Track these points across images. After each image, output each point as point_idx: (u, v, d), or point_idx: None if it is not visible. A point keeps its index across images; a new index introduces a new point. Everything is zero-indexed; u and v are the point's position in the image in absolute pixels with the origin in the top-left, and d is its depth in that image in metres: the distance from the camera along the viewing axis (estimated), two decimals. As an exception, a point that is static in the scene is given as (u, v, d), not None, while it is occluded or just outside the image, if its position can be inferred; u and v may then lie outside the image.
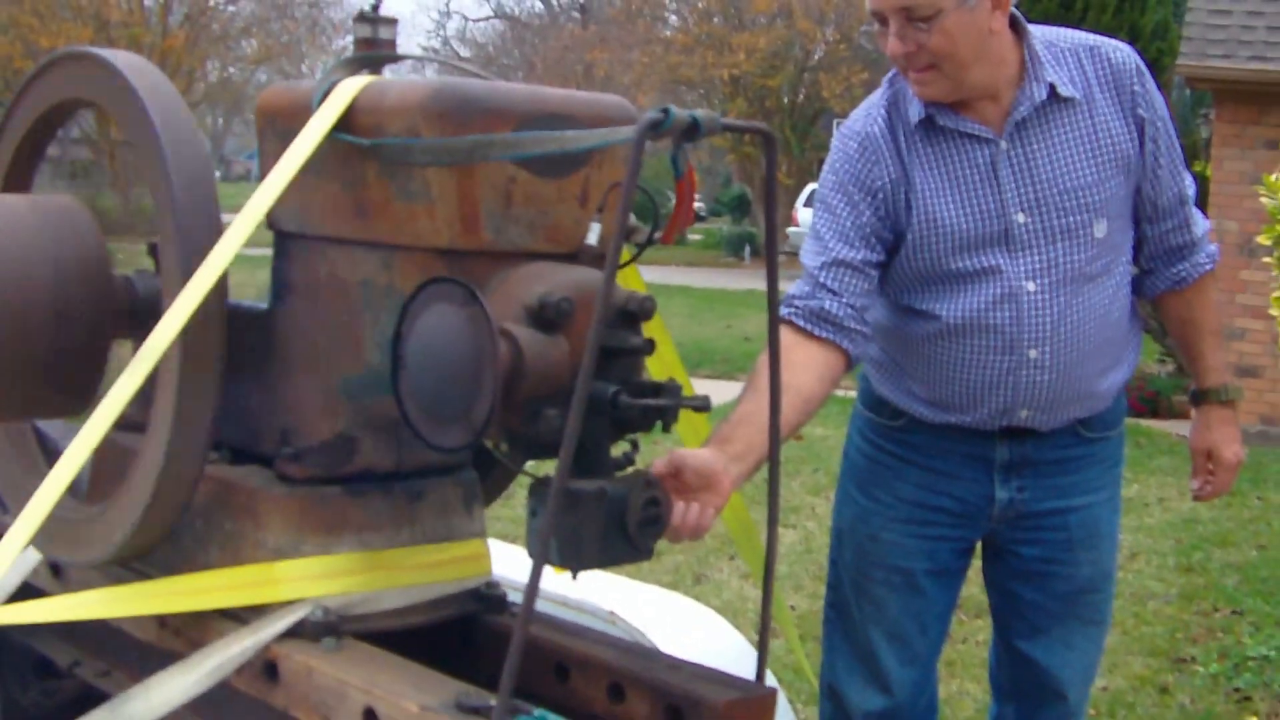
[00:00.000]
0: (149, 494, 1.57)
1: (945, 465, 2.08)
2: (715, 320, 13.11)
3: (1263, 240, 3.66)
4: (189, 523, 1.65)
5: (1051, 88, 1.93)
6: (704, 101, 22.02)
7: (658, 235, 1.54)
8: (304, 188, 1.57)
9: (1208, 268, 2.11)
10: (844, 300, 1.93)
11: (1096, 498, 2.12)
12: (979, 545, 2.17)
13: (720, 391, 4.04)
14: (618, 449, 1.47)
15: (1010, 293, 1.95)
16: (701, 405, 1.48)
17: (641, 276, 1.81)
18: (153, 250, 1.68)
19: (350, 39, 18.62)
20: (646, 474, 1.48)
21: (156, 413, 1.56)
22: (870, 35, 1.96)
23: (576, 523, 1.39)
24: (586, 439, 1.37)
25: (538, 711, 1.36)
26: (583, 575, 1.44)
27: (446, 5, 60.93)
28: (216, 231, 1.52)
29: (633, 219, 1.61)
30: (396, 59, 2.16)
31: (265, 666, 1.54)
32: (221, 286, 1.52)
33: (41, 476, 1.50)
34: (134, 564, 1.70)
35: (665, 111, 1.31)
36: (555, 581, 1.53)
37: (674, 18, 24.90)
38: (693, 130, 1.33)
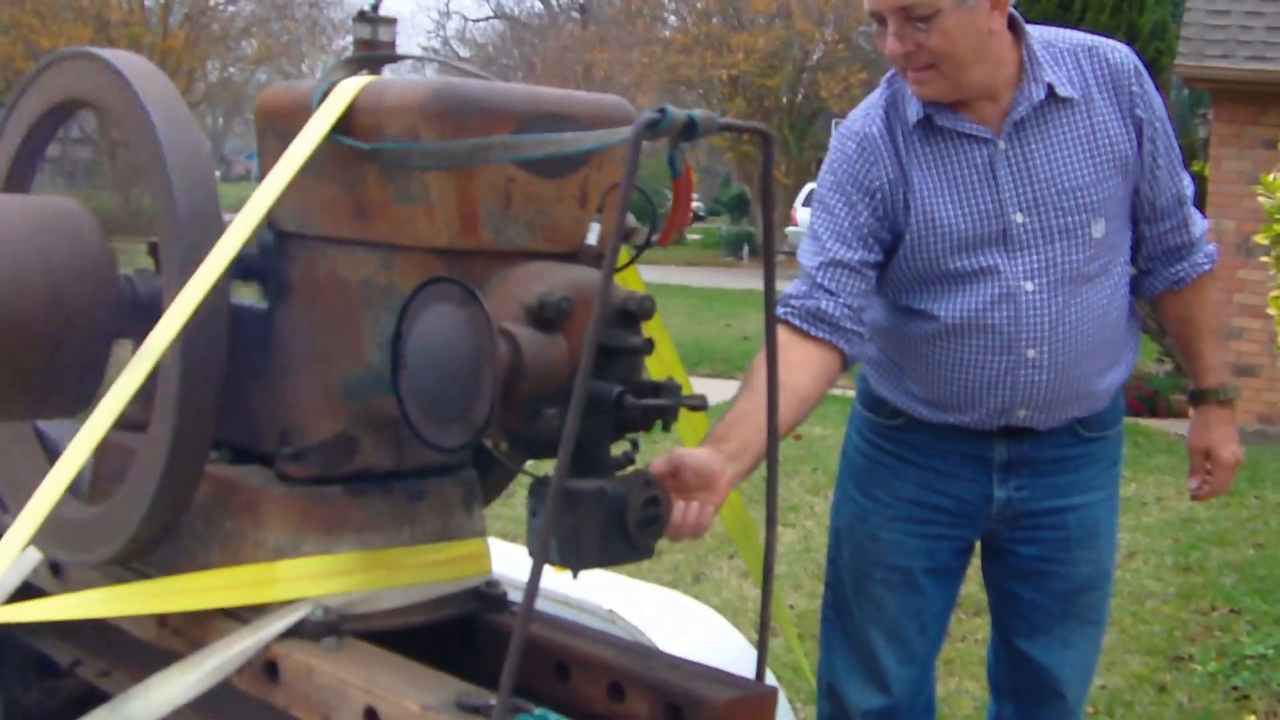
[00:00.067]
0: (149, 494, 1.57)
1: (944, 465, 2.08)
2: (714, 319, 13.11)
3: (1260, 239, 3.67)
4: (189, 522, 1.66)
5: (1050, 88, 1.94)
6: (703, 101, 22.03)
7: (655, 237, 1.55)
8: (304, 188, 1.57)
9: (1206, 268, 2.11)
10: (841, 300, 1.93)
11: (1095, 497, 2.12)
12: (978, 544, 2.17)
13: (719, 390, 4.05)
14: (617, 448, 1.47)
15: (1008, 292, 1.96)
16: (698, 404, 1.48)
17: (640, 276, 1.81)
18: (153, 250, 1.68)
19: (350, 39, 18.61)
20: (646, 473, 1.48)
21: (157, 412, 1.57)
22: (869, 35, 1.96)
23: (576, 522, 1.39)
24: (586, 438, 1.37)
25: (538, 710, 1.37)
26: (582, 574, 1.45)
27: (446, 5, 60.98)
28: (217, 231, 1.53)
29: (632, 219, 1.62)
30: (396, 59, 2.16)
31: (266, 666, 1.54)
32: (222, 286, 1.52)
33: (42, 476, 1.50)
34: (134, 563, 1.70)
35: (662, 111, 1.31)
36: (555, 580, 1.53)
37: (673, 18, 24.92)
38: (690, 130, 1.33)
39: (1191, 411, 2.21)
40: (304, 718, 1.50)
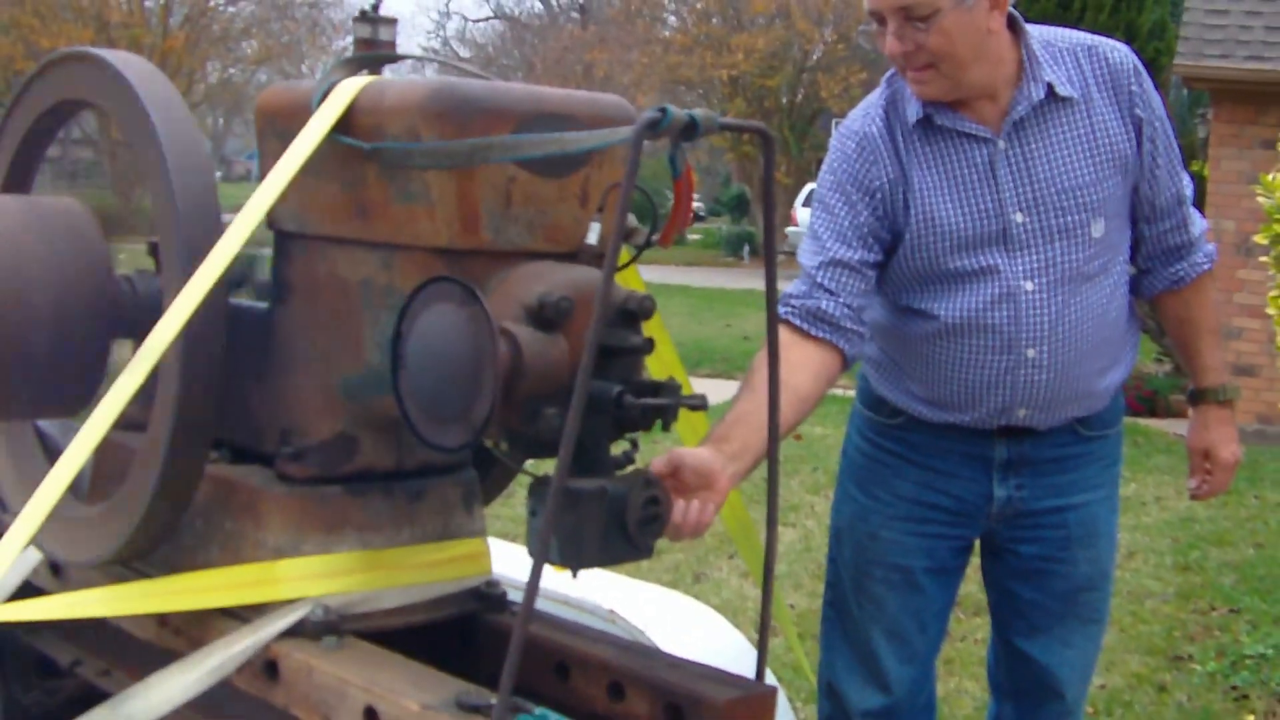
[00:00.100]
0: (149, 493, 1.57)
1: (944, 464, 2.08)
2: (714, 319, 13.11)
3: (1260, 239, 3.67)
4: (189, 522, 1.66)
5: (1049, 87, 1.94)
6: (703, 102, 22.03)
7: (655, 236, 1.55)
8: (304, 188, 1.57)
9: (1205, 267, 2.11)
10: (841, 300, 1.93)
11: (1094, 496, 2.12)
12: (978, 543, 2.18)
13: (719, 390, 4.05)
14: (617, 448, 1.47)
15: (1008, 292, 1.96)
16: (698, 404, 1.48)
17: (641, 276, 1.81)
18: (153, 250, 1.68)
19: (350, 39, 18.61)
20: (646, 473, 1.48)
21: (157, 412, 1.57)
22: (869, 35, 1.96)
23: (576, 522, 1.39)
24: (586, 438, 1.37)
25: (538, 710, 1.37)
26: (583, 574, 1.45)
27: (446, 6, 60.97)
28: (217, 231, 1.53)
29: (633, 219, 1.62)
30: (396, 59, 2.16)
31: (266, 665, 1.54)
32: (222, 285, 1.52)
33: (42, 476, 1.50)
34: (134, 563, 1.70)
35: (663, 111, 1.32)
36: (555, 580, 1.53)
37: (673, 18, 24.92)
38: (690, 130, 1.33)
39: (1191, 411, 2.21)
40: (304, 717, 1.50)
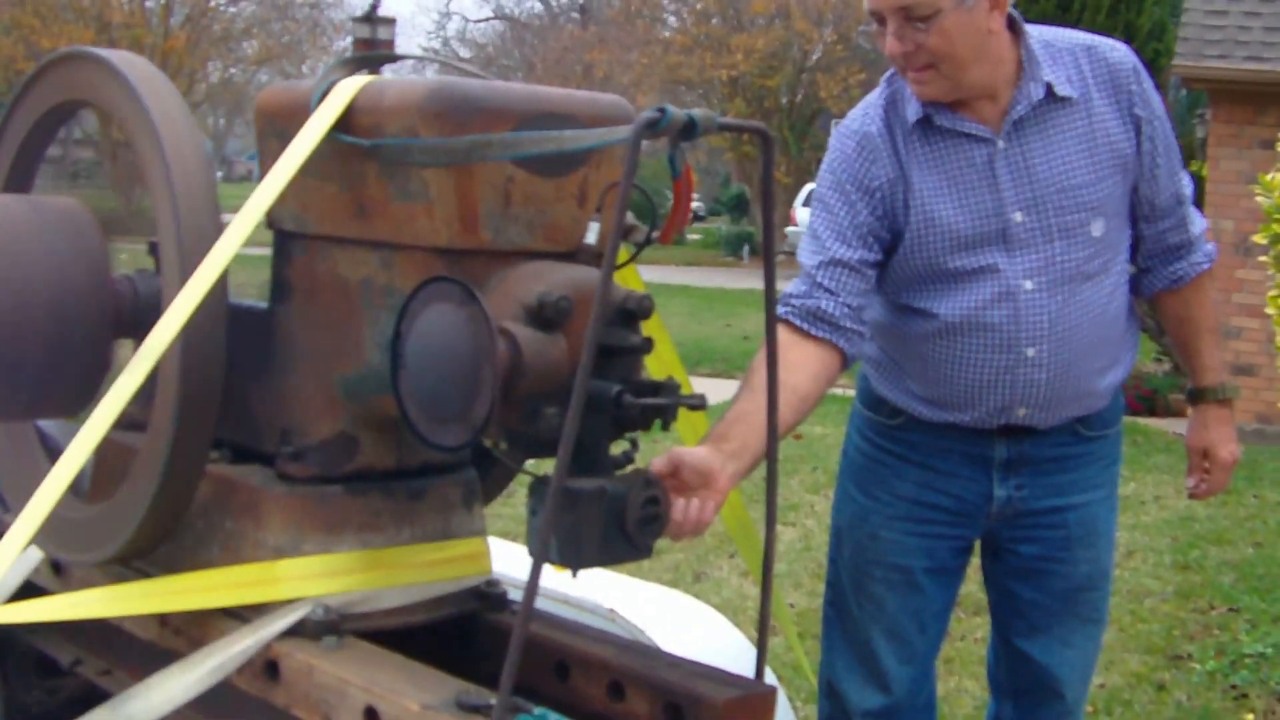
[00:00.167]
0: (150, 493, 1.58)
1: (944, 464, 2.08)
2: (714, 319, 13.11)
3: (1259, 239, 3.68)
4: (190, 522, 1.66)
5: (1049, 87, 1.94)
6: (703, 102, 22.02)
7: (655, 235, 1.55)
8: (304, 187, 1.58)
9: (1205, 267, 2.12)
10: (840, 300, 1.93)
11: (1094, 496, 2.12)
12: (978, 543, 2.18)
13: (719, 390, 4.06)
14: (617, 448, 1.48)
15: (1008, 291, 1.96)
16: (698, 403, 1.49)
17: (640, 276, 1.81)
18: (153, 250, 1.68)
19: (350, 39, 18.61)
20: (646, 473, 1.48)
21: (157, 412, 1.57)
22: (869, 35, 1.96)
23: (576, 521, 1.39)
24: (586, 438, 1.38)
25: (538, 710, 1.37)
26: (583, 573, 1.45)
27: (447, 6, 60.94)
28: (217, 231, 1.53)
29: (632, 218, 1.62)
30: (395, 59, 2.16)
31: (266, 665, 1.54)
32: (221, 286, 1.53)
33: (43, 475, 1.50)
34: (135, 563, 1.70)
35: (662, 111, 1.32)
36: (555, 579, 1.54)
37: (673, 19, 24.91)
38: (689, 129, 1.33)
39: (1190, 410, 2.21)
40: (304, 717, 1.50)
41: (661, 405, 1.43)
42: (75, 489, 1.60)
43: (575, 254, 1.55)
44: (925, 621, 2.14)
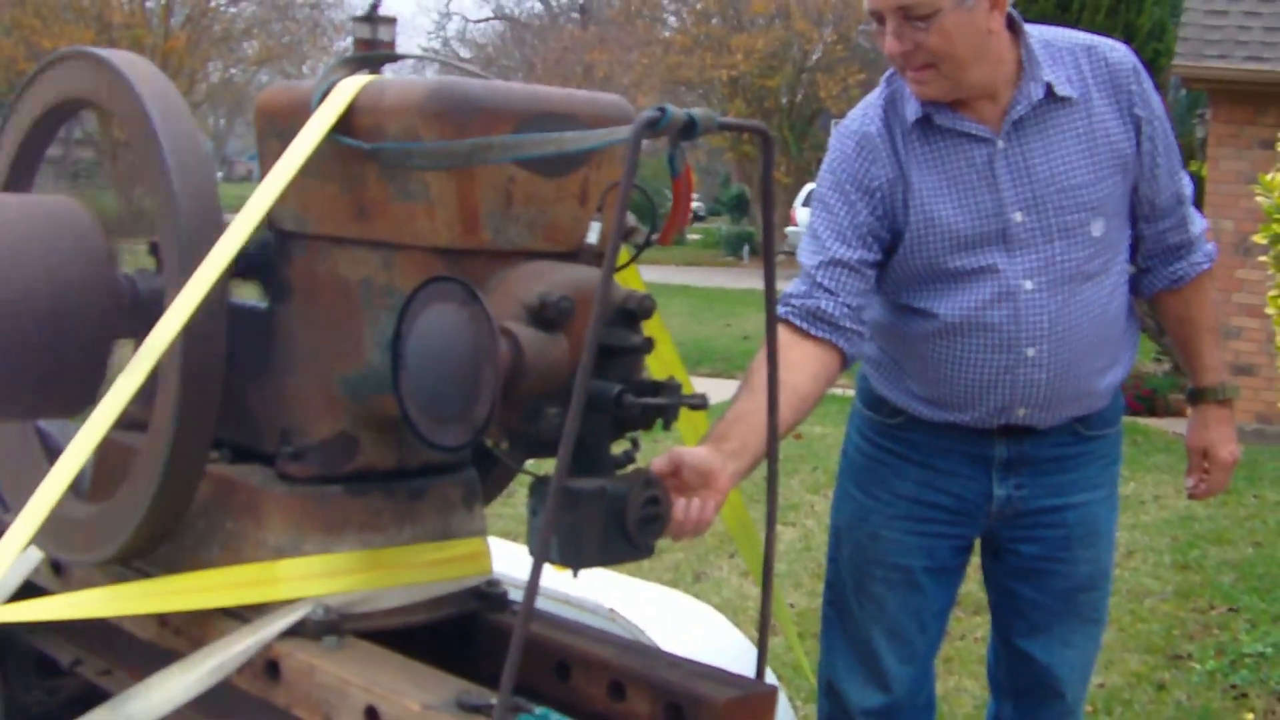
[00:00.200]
0: (150, 493, 1.58)
1: (944, 463, 2.08)
2: (714, 319, 13.12)
3: (1258, 239, 3.68)
4: (190, 522, 1.66)
5: (1048, 87, 1.94)
6: (703, 102, 22.02)
7: (655, 236, 1.55)
8: (304, 187, 1.58)
9: (1205, 266, 2.12)
10: (840, 300, 1.93)
11: (1094, 495, 2.12)
12: (978, 543, 2.18)
13: (719, 389, 4.06)
14: (618, 447, 1.48)
15: (1008, 291, 1.96)
16: (698, 403, 1.49)
17: (641, 276, 1.81)
18: (154, 250, 1.68)
19: (351, 40, 18.61)
20: (647, 472, 1.48)
21: (158, 411, 1.57)
22: (868, 34, 1.96)
23: (577, 521, 1.39)
24: (586, 437, 1.38)
25: (539, 709, 1.37)
26: (583, 573, 1.45)
27: (447, 6, 60.94)
28: (217, 230, 1.53)
29: (632, 218, 1.62)
30: (394, 59, 2.16)
31: (267, 665, 1.54)
32: (222, 286, 1.53)
33: (43, 475, 1.50)
34: (135, 563, 1.70)
35: (662, 110, 1.32)
36: (556, 579, 1.54)
37: (673, 19, 24.91)
38: (689, 129, 1.33)
39: (1190, 410, 2.21)
40: (305, 717, 1.50)
41: (662, 405, 1.43)
42: (75, 489, 1.60)
43: (576, 254, 1.55)
44: (925, 621, 2.14)
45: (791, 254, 2.51)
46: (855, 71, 20.73)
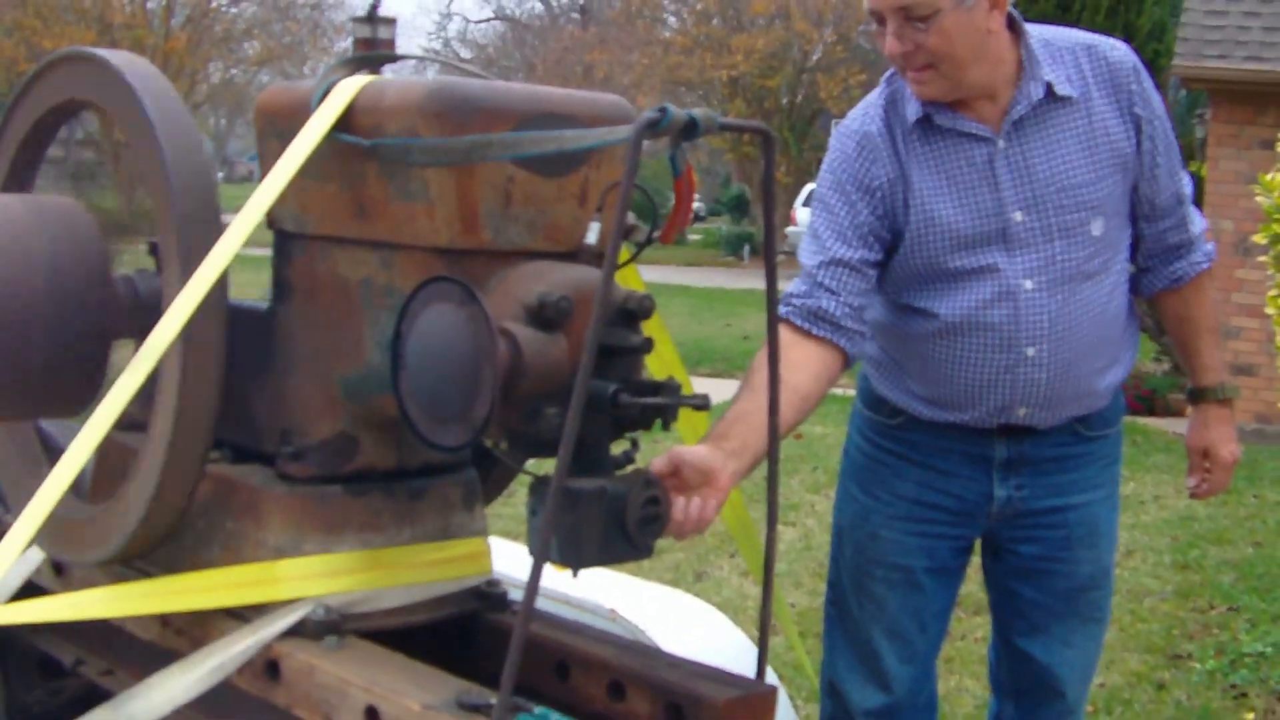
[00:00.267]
0: (151, 493, 1.58)
1: (944, 463, 2.08)
2: (714, 319, 13.12)
3: (1258, 239, 3.68)
4: (191, 522, 1.66)
5: (1049, 86, 1.94)
6: (703, 102, 22.01)
7: (656, 235, 1.55)
8: (304, 187, 1.58)
9: (1205, 266, 2.12)
10: (841, 299, 1.93)
11: (1095, 495, 2.12)
12: (978, 543, 2.18)
13: (720, 389, 4.05)
14: (618, 448, 1.48)
15: (1008, 291, 1.96)
16: (700, 404, 1.49)
17: (641, 276, 1.81)
18: (154, 250, 1.68)
19: (351, 40, 18.61)
20: (647, 472, 1.48)
21: (158, 412, 1.57)
22: (868, 34, 1.97)
23: (576, 521, 1.39)
24: (586, 437, 1.38)
25: (539, 709, 1.37)
26: (583, 573, 1.45)
27: (447, 7, 60.95)
28: (217, 231, 1.53)
29: (633, 218, 1.62)
30: (394, 59, 2.16)
31: (267, 665, 1.55)
32: (222, 285, 1.53)
33: (43, 476, 1.50)
34: (136, 563, 1.70)
35: (663, 110, 1.32)
36: (556, 579, 1.54)
37: (673, 19, 24.91)
38: (690, 129, 1.34)
39: (1190, 410, 2.21)
40: (305, 717, 1.50)
41: (662, 405, 1.43)
42: (76, 489, 1.60)
43: (576, 254, 1.56)
44: (926, 621, 2.14)
45: (792, 254, 2.51)
46: (855, 72, 20.73)
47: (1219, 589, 4.69)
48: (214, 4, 21.71)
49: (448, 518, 1.70)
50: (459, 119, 1.47)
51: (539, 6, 35.07)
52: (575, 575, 1.45)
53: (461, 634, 1.71)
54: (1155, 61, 9.60)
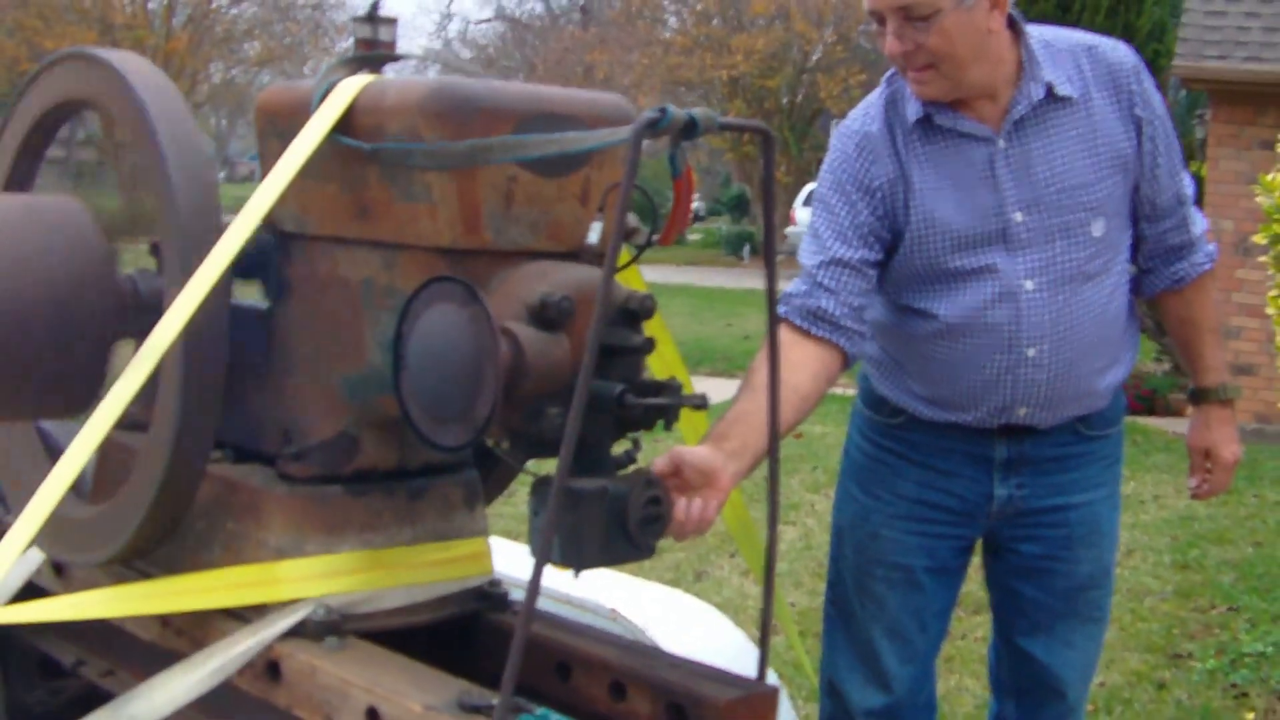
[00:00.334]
0: (151, 493, 1.58)
1: (945, 463, 2.08)
2: (715, 319, 13.12)
3: (1258, 239, 3.68)
4: (191, 522, 1.66)
5: (1049, 87, 1.94)
6: (703, 102, 22.01)
7: (656, 236, 1.55)
8: (304, 188, 1.58)
9: (1206, 267, 2.12)
10: (841, 299, 1.93)
11: (1096, 495, 2.12)
12: (979, 543, 2.18)
13: (720, 389, 4.06)
14: (619, 447, 1.48)
15: (1008, 291, 1.96)
16: (699, 403, 1.49)
17: (642, 275, 1.81)
18: (155, 250, 1.68)
19: (352, 40, 18.61)
20: (648, 473, 1.48)
21: (159, 412, 1.57)
22: (869, 34, 1.97)
23: (578, 521, 1.39)
24: (588, 437, 1.38)
25: (540, 710, 1.37)
26: (584, 573, 1.45)
27: (448, 7, 60.96)
28: (218, 230, 1.53)
29: (633, 219, 1.62)
30: (394, 59, 2.16)
31: (268, 666, 1.55)
32: (223, 285, 1.53)
33: (44, 476, 1.50)
34: (137, 563, 1.70)
35: (663, 110, 1.32)
36: (557, 580, 1.54)
37: (673, 19, 24.91)
38: (690, 129, 1.34)
39: (1191, 410, 2.21)
40: (306, 717, 1.50)
41: (663, 405, 1.43)
42: (77, 489, 1.60)
43: (578, 254, 1.56)
44: (926, 620, 2.14)
45: (792, 254, 2.51)
46: (856, 72, 20.73)
47: (1219, 589, 4.69)
48: (215, 4, 21.72)
49: (449, 518, 1.70)
50: (460, 119, 1.47)
51: (539, 7, 35.08)
52: (576, 575, 1.45)
53: (462, 634, 1.71)
54: (1155, 61, 9.61)
